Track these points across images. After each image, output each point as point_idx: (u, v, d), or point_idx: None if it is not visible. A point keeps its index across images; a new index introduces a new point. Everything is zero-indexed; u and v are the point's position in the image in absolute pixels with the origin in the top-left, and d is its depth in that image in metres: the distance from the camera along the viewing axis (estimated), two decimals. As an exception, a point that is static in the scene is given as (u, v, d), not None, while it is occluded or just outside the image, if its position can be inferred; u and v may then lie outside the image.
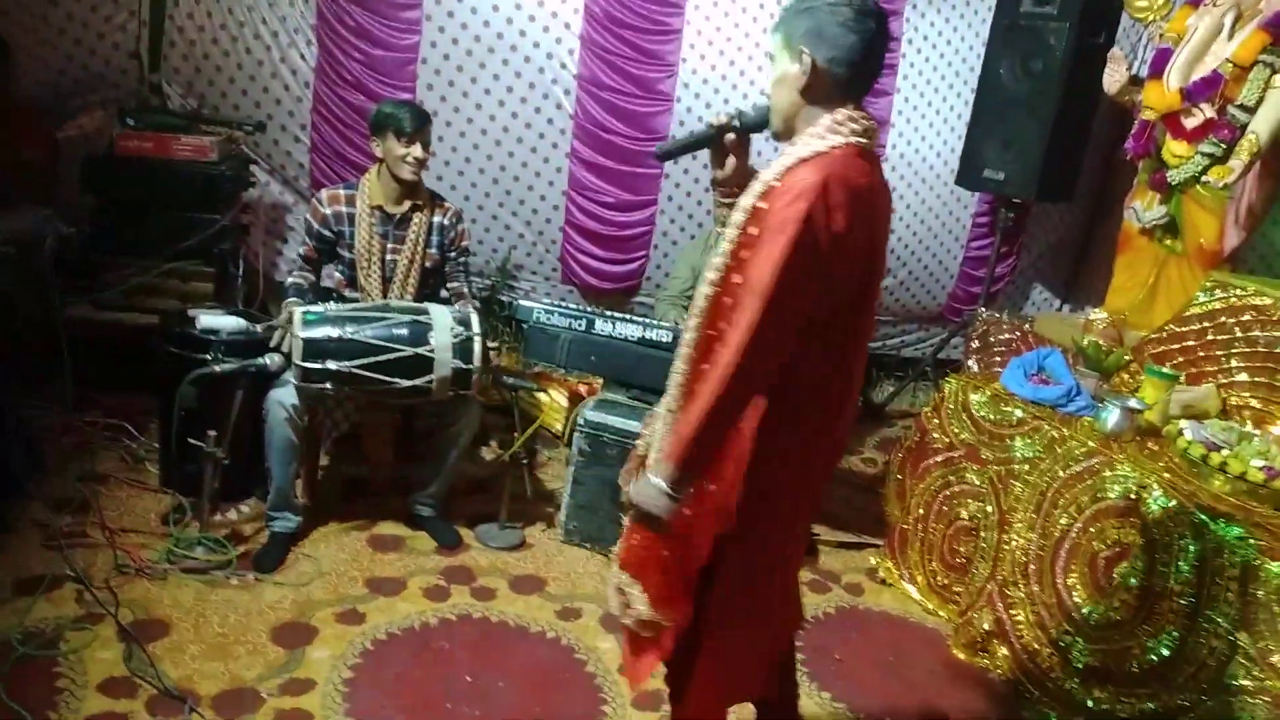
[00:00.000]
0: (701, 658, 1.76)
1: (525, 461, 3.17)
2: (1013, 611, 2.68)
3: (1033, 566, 2.64)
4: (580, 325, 3.28)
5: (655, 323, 3.33)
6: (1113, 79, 3.95)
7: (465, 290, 3.20)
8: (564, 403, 3.86)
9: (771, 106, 1.70)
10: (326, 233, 3.02)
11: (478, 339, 2.80)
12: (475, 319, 2.84)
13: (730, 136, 1.80)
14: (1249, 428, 2.71)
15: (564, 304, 3.57)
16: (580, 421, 3.08)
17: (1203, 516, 2.23)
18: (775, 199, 1.56)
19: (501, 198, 4.51)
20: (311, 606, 2.59)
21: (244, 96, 4.23)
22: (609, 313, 3.38)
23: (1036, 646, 2.60)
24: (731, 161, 1.83)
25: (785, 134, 1.69)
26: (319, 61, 4.22)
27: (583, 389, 3.88)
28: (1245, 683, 2.09)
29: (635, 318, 3.38)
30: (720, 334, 1.61)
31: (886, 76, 4.68)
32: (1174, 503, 2.31)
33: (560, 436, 3.82)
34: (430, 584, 2.80)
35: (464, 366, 2.78)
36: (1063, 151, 4.35)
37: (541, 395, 3.84)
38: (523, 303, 3.44)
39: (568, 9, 4.30)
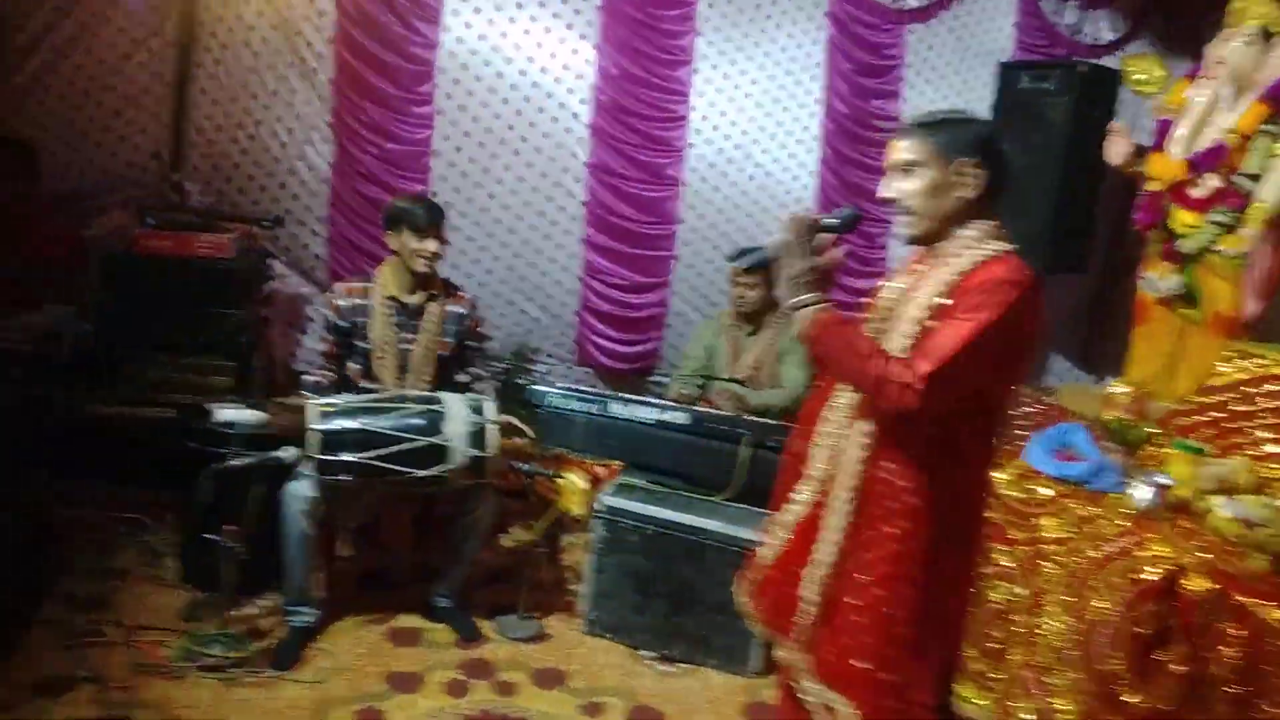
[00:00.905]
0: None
1: (544, 549, 3.12)
2: (1054, 700, 2.58)
3: (1071, 652, 2.56)
4: (596, 408, 3.28)
5: (671, 405, 3.32)
6: (1115, 151, 4.00)
7: (482, 376, 3.21)
8: (584, 486, 3.82)
9: (918, 210, 1.75)
10: (343, 324, 3.05)
11: (492, 426, 2.79)
12: (490, 406, 2.84)
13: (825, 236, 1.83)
14: (1285, 501, 2.65)
15: (580, 387, 3.57)
16: (599, 508, 3.05)
17: (1242, 598, 2.17)
18: (970, 287, 1.67)
19: (517, 283, 4.57)
20: (329, 705, 2.53)
21: (262, 192, 4.33)
22: (624, 395, 3.38)
23: (1082, 735, 2.50)
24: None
25: (931, 238, 1.78)
26: (336, 157, 4.33)
27: (602, 471, 3.85)
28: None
29: (651, 400, 3.37)
30: None
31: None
32: (1213, 584, 2.24)
33: (580, 521, 3.77)
34: (450, 679, 2.74)
35: (479, 454, 2.77)
36: (1072, 223, 4.39)
37: (560, 480, 3.80)
38: (538, 387, 3.45)
39: (575, 100, 4.42)
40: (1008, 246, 1.74)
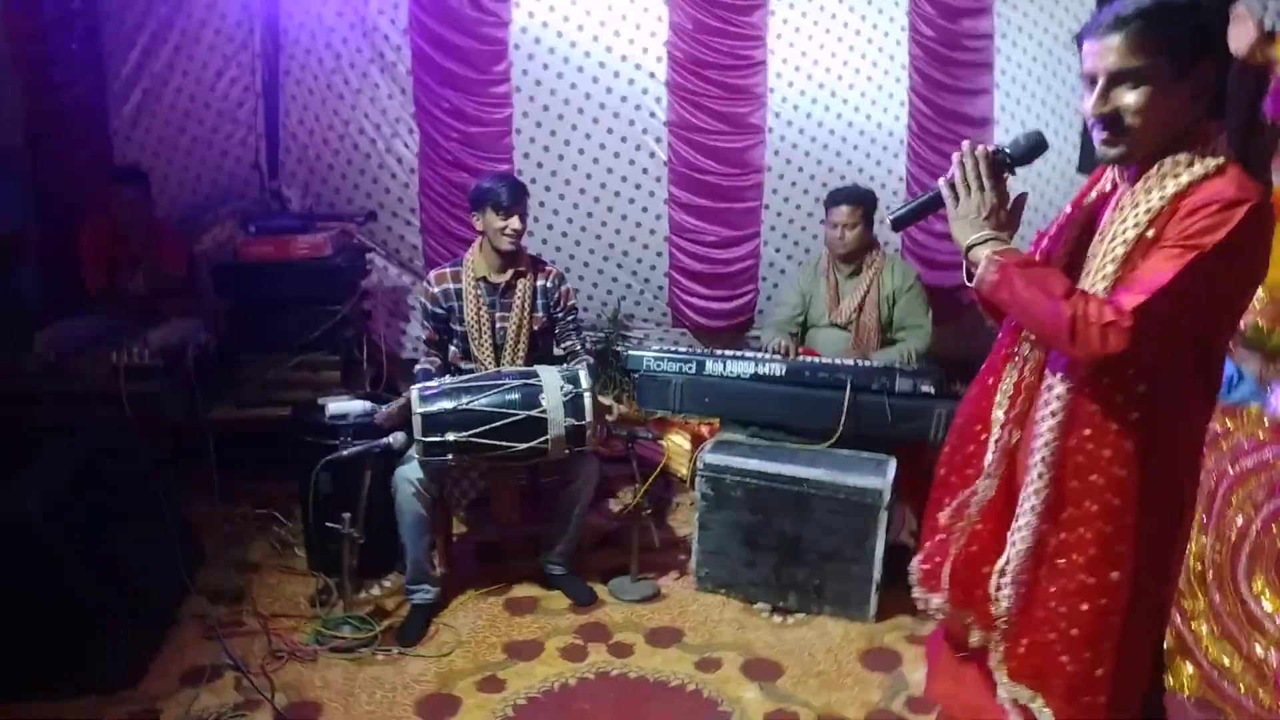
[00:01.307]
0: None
1: (650, 511, 3.13)
2: (1194, 625, 2.43)
3: (1210, 574, 2.39)
4: (690, 368, 3.25)
5: (766, 358, 3.26)
6: (1240, 38, 3.65)
7: (579, 347, 3.23)
8: (686, 446, 3.82)
9: (1144, 130, 1.44)
10: (439, 310, 3.12)
11: (587, 395, 2.80)
12: (584, 375, 2.85)
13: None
14: None
15: (675, 348, 3.55)
16: (700, 465, 3.03)
17: (1403, 503, 1.97)
18: (1187, 210, 1.41)
19: (606, 251, 4.56)
20: (453, 677, 2.62)
21: (355, 189, 4.46)
22: (719, 352, 3.34)
23: (1227, 662, 2.34)
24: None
25: (1154, 158, 1.47)
26: (421, 146, 4.41)
27: (704, 430, 3.83)
28: None
29: (746, 354, 3.32)
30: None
31: (983, 74, 4.51)
32: (1367, 491, 2.05)
33: (685, 481, 3.77)
34: (567, 643, 2.79)
35: (576, 423, 2.78)
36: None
37: (663, 441, 3.81)
38: (633, 352, 3.44)
39: (650, 58, 4.35)
40: (1227, 156, 1.44)
